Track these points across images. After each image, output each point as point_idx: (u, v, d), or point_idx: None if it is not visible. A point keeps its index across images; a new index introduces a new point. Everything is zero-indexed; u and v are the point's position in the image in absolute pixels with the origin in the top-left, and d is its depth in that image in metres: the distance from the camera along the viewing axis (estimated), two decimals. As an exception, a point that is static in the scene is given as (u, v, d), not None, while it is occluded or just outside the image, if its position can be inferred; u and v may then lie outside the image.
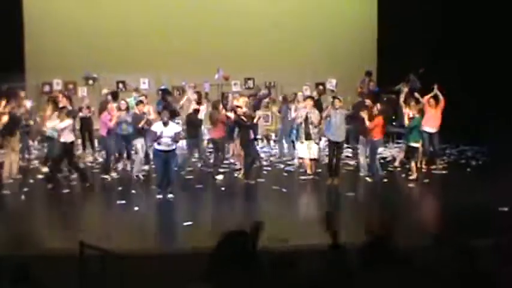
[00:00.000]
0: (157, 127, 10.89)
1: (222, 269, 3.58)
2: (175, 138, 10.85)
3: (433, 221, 9.28)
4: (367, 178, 12.41)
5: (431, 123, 13.46)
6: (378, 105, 12.75)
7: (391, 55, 17.81)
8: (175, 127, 11.02)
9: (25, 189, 11.36)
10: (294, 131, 13.18)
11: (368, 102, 13.16)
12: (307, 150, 12.64)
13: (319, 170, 13.07)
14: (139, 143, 12.49)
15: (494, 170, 13.43)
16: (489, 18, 16.31)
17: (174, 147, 10.90)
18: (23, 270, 4.44)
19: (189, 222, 9.15)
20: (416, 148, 12.66)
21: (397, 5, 17.84)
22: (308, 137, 12.54)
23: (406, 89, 16.82)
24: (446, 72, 17.00)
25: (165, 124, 10.81)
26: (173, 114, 12.92)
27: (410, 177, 12.34)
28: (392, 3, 18.19)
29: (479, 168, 13.87)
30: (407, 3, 17.53)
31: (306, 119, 12.52)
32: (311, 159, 12.76)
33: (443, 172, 13.36)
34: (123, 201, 10.55)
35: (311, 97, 13.46)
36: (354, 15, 19.39)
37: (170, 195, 10.81)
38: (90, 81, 17.59)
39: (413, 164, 12.47)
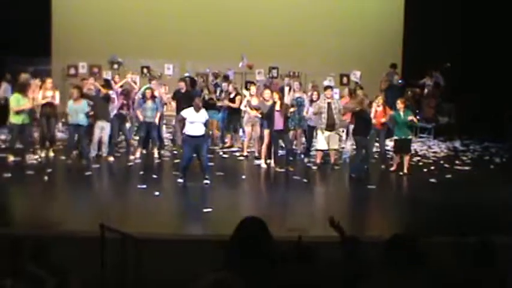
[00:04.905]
0: (188, 113, 10.97)
1: (239, 256, 3.59)
2: (205, 124, 10.99)
3: (451, 218, 9.17)
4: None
5: None
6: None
7: (416, 48, 17.65)
8: (205, 114, 11.09)
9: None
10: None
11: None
12: (325, 142, 12.58)
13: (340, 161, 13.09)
14: (97, 126, 12.54)
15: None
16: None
17: (203, 133, 10.97)
18: (45, 250, 4.50)
19: (209, 209, 9.18)
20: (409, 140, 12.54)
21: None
22: (329, 128, 12.48)
23: (431, 83, 16.74)
24: (472, 67, 16.87)
25: (197, 110, 10.91)
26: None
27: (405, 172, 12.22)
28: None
29: (502, 165, 13.72)
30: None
31: (329, 109, 12.48)
32: (330, 150, 12.72)
33: (466, 168, 13.24)
34: (144, 186, 10.63)
35: (331, 87, 13.50)
36: (380, 7, 19.21)
37: (206, 181, 10.86)
38: (115, 66, 17.69)
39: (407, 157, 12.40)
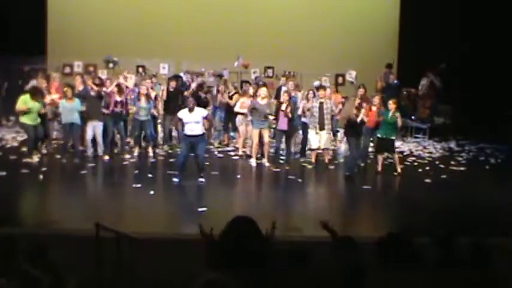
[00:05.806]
0: (183, 114, 11.03)
1: (230, 256, 3.58)
2: (202, 123, 11.00)
3: (445, 218, 9.18)
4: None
5: None
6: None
7: (412, 48, 17.68)
8: (202, 112, 11.11)
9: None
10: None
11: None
12: (317, 141, 12.61)
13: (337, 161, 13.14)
14: (90, 126, 12.51)
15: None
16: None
17: (200, 132, 10.98)
18: (40, 249, 4.49)
19: (204, 208, 9.17)
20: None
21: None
22: (322, 127, 12.51)
23: (427, 83, 16.73)
24: (467, 68, 16.91)
25: (190, 110, 10.93)
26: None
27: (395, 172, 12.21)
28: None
29: (498, 166, 13.74)
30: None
31: (321, 108, 12.51)
32: (323, 149, 12.75)
33: (461, 169, 13.25)
34: (139, 185, 10.62)
35: (324, 87, 13.52)
36: (375, 7, 19.24)
37: (201, 179, 10.93)
38: (111, 65, 17.67)
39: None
